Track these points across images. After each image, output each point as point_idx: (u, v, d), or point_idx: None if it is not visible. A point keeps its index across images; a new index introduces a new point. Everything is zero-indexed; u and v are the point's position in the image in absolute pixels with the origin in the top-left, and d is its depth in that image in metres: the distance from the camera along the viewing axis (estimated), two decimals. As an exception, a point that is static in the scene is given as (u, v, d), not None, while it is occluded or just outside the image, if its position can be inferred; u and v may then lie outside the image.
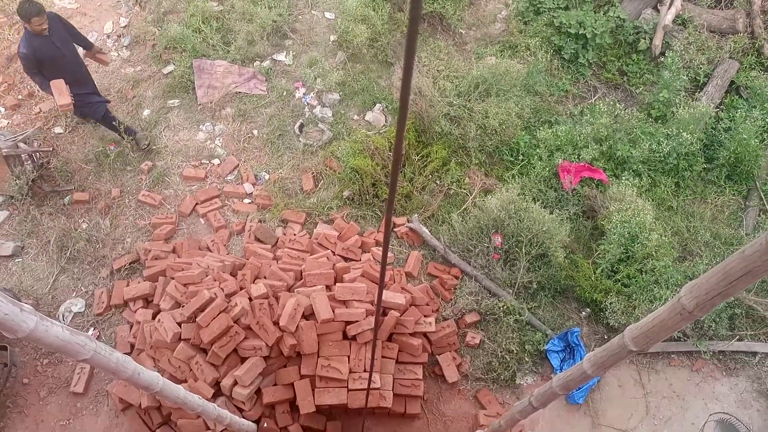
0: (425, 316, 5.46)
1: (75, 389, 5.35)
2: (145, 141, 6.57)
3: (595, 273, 5.62)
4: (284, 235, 6.12)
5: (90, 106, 6.10)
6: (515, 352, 5.50)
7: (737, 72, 7.05)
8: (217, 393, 4.93)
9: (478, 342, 5.63)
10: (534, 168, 6.29)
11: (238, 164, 6.66)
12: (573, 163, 6.15)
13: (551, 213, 5.79)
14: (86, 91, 6.03)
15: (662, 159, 6.24)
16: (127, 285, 5.76)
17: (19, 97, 7.07)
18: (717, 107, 6.86)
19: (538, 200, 6.02)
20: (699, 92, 7.00)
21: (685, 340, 5.53)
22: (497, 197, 5.79)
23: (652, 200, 6.12)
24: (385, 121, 6.92)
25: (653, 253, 5.39)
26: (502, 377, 5.50)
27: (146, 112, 6.88)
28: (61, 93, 5.58)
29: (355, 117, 7.02)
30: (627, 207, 5.58)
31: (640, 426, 5.40)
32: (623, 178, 6.07)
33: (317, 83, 7.03)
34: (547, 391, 3.04)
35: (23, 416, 5.29)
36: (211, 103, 6.98)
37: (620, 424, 5.40)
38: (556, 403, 5.44)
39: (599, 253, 5.73)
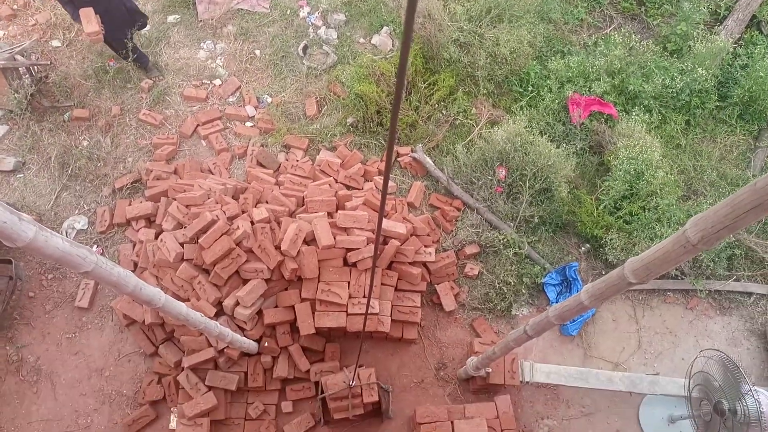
0: (425, 246, 5.49)
1: (80, 304, 5.46)
2: (155, 71, 6.46)
3: (597, 209, 5.60)
4: (286, 160, 6.07)
5: (119, 39, 5.90)
6: (513, 284, 5.57)
7: (760, 6, 6.75)
8: (219, 313, 5.04)
9: (476, 273, 5.70)
10: (543, 100, 6.14)
11: (240, 86, 6.51)
12: (583, 96, 5.99)
13: (558, 147, 5.71)
14: (117, 23, 5.80)
15: (675, 95, 6.08)
16: (129, 204, 5.77)
17: (15, 6, 6.83)
18: (735, 43, 6.62)
19: (545, 133, 5.92)
20: (718, 26, 6.73)
21: (682, 278, 5.59)
22: (504, 129, 5.68)
23: (661, 137, 6.02)
24: (392, 45, 6.70)
25: (658, 190, 5.34)
26: (499, 308, 5.59)
27: (146, 28, 6.66)
28: (89, 21, 5.39)
29: (361, 40, 6.80)
30: (635, 143, 5.48)
31: (631, 359, 5.54)
32: (633, 113, 5.94)
33: (322, 2, 6.76)
34: (543, 320, 3.08)
35: (30, 328, 5.44)
36: (212, 19, 6.74)
37: (611, 356, 5.54)
38: (549, 334, 5.57)
39: (603, 189, 5.69)
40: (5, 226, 1.69)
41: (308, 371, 5.19)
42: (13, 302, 5.34)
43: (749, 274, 5.74)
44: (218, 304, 5.01)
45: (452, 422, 4.78)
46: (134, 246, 5.61)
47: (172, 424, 5.09)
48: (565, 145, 5.91)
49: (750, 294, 5.74)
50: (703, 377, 4.36)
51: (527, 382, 5.02)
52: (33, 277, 5.62)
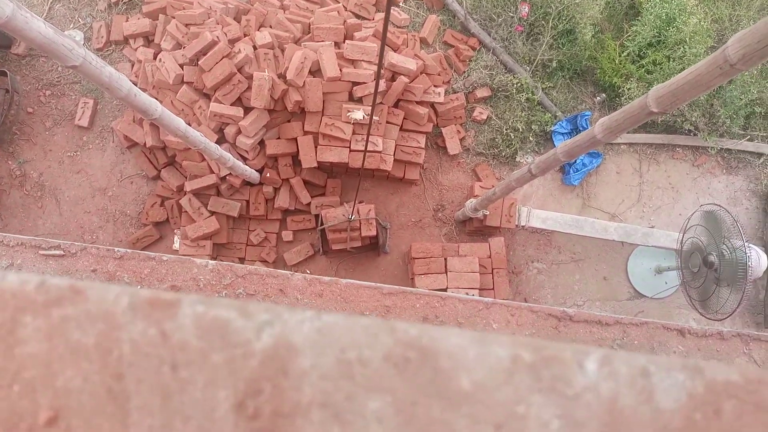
0: (435, 86, 5.27)
1: (80, 123, 5.38)
2: None
3: (620, 56, 5.30)
4: (293, -18, 5.61)
5: None
6: (521, 130, 5.44)
7: None
8: (221, 140, 4.97)
9: (485, 118, 5.54)
10: (581, -73, 5.52)
11: None
12: (624, -74, 5.39)
13: (588, -17, 5.24)
14: None
15: (725, -67, 5.47)
16: (127, 20, 5.45)
17: None
18: None
19: (577, -32, 5.40)
20: None
21: (695, 134, 5.44)
22: (532, -42, 5.18)
23: (701, -19, 5.51)
24: None
25: (687, 39, 5.00)
26: (503, 154, 5.52)
27: None
28: None
29: None
30: (672, -15, 5.03)
31: (629, 212, 5.59)
32: (677, -50, 5.37)
33: None
34: (550, 158, 3.01)
35: (31, 144, 5.41)
36: None
37: (610, 207, 5.58)
38: (550, 183, 5.56)
39: (629, 35, 5.33)
40: (-23, -4, 1.53)
41: (309, 204, 5.26)
42: (12, 117, 5.25)
43: (764, 134, 5.58)
44: (220, 131, 4.93)
45: (445, 259, 4.95)
46: (132, 66, 5.40)
47: (176, 245, 5.26)
48: (596, -18, 5.42)
49: (760, 155, 5.63)
50: (698, 230, 4.41)
51: (522, 227, 5.11)
52: (30, 92, 5.48)
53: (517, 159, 5.60)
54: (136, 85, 5.20)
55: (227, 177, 4.99)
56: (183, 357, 0.41)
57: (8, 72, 5.17)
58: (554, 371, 0.41)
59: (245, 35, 4.94)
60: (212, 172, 5.00)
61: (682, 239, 4.52)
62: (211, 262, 1.84)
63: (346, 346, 0.41)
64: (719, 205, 4.23)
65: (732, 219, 4.11)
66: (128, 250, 1.83)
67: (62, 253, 1.78)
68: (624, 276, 5.45)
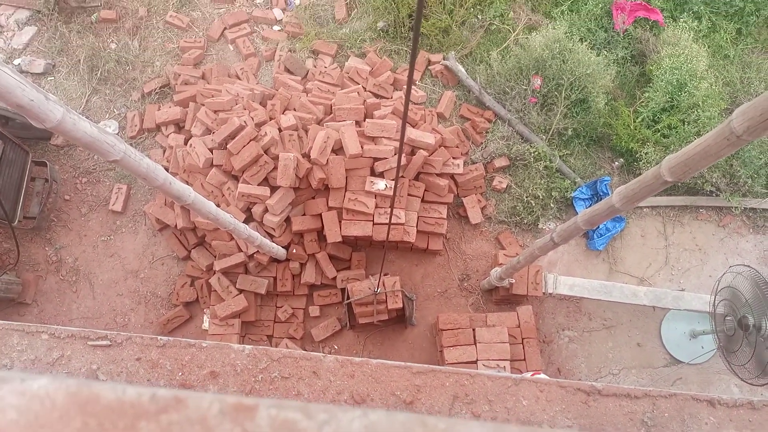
0: (454, 158, 5.41)
1: (113, 208, 5.61)
2: None
3: (634, 122, 5.40)
4: (314, 67, 5.93)
5: None
6: (541, 197, 5.50)
7: None
8: (249, 219, 5.12)
9: (504, 186, 5.63)
10: (586, 4, 5.80)
11: (268, -13, 6.29)
12: (629, 1, 5.63)
13: (598, 55, 5.44)
14: None
15: (728, 0, 5.66)
16: (159, 109, 5.77)
17: None
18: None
19: (586, 40, 5.63)
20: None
21: (717, 195, 5.44)
22: (542, 35, 5.42)
23: (708, 47, 5.67)
24: (427, -55, 6.32)
25: (700, 103, 5.10)
26: (525, 221, 5.56)
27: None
28: None
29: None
30: (680, 52, 5.19)
31: (657, 275, 5.52)
32: (681, 20, 5.58)
33: None
34: (571, 226, 3.04)
35: (68, 230, 5.63)
36: None
37: (637, 272, 5.52)
38: (575, 248, 5.55)
39: (642, 101, 5.45)
40: (33, 105, 1.68)
41: (335, 278, 5.31)
42: (50, 204, 5.51)
43: (788, 193, 5.55)
44: (247, 210, 5.09)
45: (473, 330, 4.89)
46: (164, 151, 5.66)
47: (205, 325, 5.32)
48: (605, 53, 5.62)
49: (787, 214, 5.58)
50: (730, 292, 4.32)
51: (550, 294, 5.06)
52: (68, 180, 5.76)
53: (540, 226, 5.63)
54: (167, 169, 5.47)
55: (255, 255, 5.10)
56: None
57: (48, 162, 5.47)
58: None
59: (271, 118, 5.18)
60: (240, 250, 5.12)
61: (714, 302, 4.43)
62: (247, 347, 1.88)
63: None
64: (749, 266, 4.17)
65: (765, 280, 4.03)
66: (170, 339, 1.90)
67: (109, 343, 1.85)
68: (658, 341, 5.31)
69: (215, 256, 5.27)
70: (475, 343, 4.82)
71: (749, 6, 5.73)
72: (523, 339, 4.96)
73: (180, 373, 1.73)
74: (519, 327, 4.98)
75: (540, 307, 5.37)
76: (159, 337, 1.85)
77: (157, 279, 5.51)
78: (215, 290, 5.17)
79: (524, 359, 4.89)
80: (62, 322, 5.39)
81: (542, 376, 4.42)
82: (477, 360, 4.74)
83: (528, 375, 4.57)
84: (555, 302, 5.40)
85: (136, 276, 5.51)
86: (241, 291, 5.15)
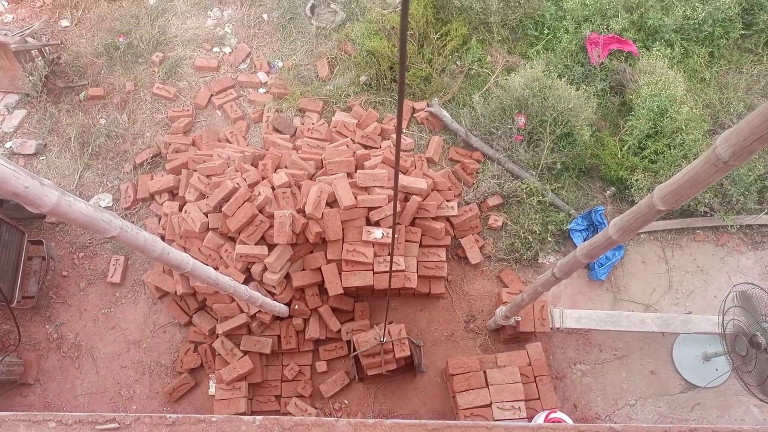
0: (447, 200, 5.46)
1: (112, 280, 5.58)
2: None
3: (621, 150, 5.48)
4: (302, 124, 6.04)
5: None
6: (538, 232, 5.52)
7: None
8: (248, 279, 5.10)
9: (500, 224, 5.65)
10: (560, 42, 5.97)
11: (250, 52, 6.46)
12: (602, 35, 5.80)
13: (577, 89, 5.56)
14: None
15: (697, 26, 5.84)
16: (152, 179, 5.82)
17: (21, -10, 6.83)
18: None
19: (564, 76, 5.76)
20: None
21: (711, 215, 5.47)
22: (521, 75, 5.55)
23: (684, 72, 5.81)
24: (401, -1, 6.55)
25: (683, 126, 5.19)
26: (525, 257, 5.56)
27: (152, 0, 6.61)
28: None
29: (369, -5, 6.65)
30: (657, 80, 5.31)
31: (662, 300, 5.49)
32: (654, 49, 5.74)
33: (328, -40, 6.61)
34: (571, 261, 3.05)
35: (67, 306, 5.58)
36: (217, -14, 6.66)
37: (642, 298, 5.49)
38: (578, 280, 5.54)
39: (626, 130, 5.55)
40: (28, 191, 1.70)
41: (339, 331, 5.26)
42: (48, 282, 5.48)
43: (782, 206, 5.59)
44: (246, 270, 5.07)
45: (485, 372, 4.82)
46: (160, 219, 5.68)
47: (212, 390, 5.23)
48: (585, 87, 5.75)
49: (783, 227, 5.60)
50: (737, 311, 4.29)
51: (558, 329, 5.01)
52: (65, 256, 5.75)
53: (540, 260, 5.63)
54: (163, 238, 5.48)
55: (257, 314, 5.06)
56: None
57: (44, 240, 5.47)
58: None
59: (263, 178, 5.23)
60: (242, 311, 5.08)
61: (722, 322, 4.39)
62: (257, 418, 1.84)
63: None
64: (753, 284, 4.16)
65: (769, 296, 4.02)
66: (179, 416, 1.86)
67: (117, 425, 1.81)
68: (671, 367, 5.24)
69: (217, 320, 5.23)
70: (487, 386, 4.74)
71: (718, 30, 5.91)
72: (535, 377, 4.88)
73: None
74: (530, 365, 4.91)
75: (549, 342, 5.31)
76: (167, 415, 1.81)
77: (160, 348, 5.44)
78: (219, 354, 5.09)
79: (539, 398, 4.80)
80: (66, 399, 5.28)
81: (559, 414, 4.33)
82: (491, 403, 4.65)
83: (543, 414, 4.48)
84: (564, 336, 5.34)
85: (139, 346, 5.45)
86: (245, 352, 5.08)
